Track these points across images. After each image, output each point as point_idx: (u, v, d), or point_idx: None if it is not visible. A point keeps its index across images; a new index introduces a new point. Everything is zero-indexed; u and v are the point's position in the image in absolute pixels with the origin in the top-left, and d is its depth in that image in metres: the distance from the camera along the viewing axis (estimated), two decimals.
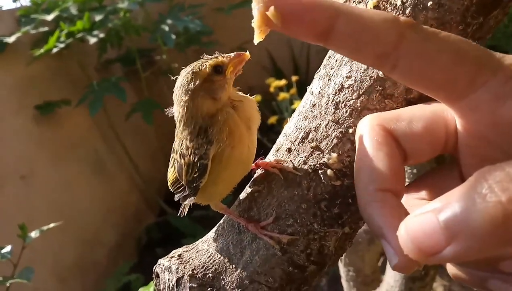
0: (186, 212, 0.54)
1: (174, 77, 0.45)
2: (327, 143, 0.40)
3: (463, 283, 0.36)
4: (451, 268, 0.36)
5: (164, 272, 0.45)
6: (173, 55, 2.48)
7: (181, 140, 0.45)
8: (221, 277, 0.43)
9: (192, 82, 0.42)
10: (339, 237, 0.41)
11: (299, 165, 0.42)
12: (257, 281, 0.42)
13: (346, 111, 0.40)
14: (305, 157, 0.42)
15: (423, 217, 0.25)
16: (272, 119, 1.97)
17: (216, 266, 0.44)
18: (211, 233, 0.48)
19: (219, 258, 0.44)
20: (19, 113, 1.98)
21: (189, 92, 0.42)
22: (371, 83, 0.38)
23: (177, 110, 0.44)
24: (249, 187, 0.46)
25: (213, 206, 0.47)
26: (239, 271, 0.43)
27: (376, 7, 0.38)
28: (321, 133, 0.41)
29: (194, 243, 0.49)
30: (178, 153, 0.45)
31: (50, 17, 2.09)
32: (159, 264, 0.46)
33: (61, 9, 2.12)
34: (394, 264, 0.29)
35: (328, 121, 0.41)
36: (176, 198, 0.48)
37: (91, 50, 2.29)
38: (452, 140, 0.34)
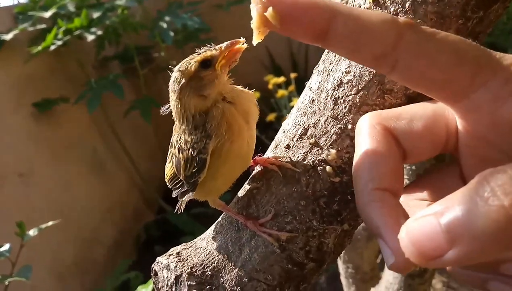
0: (183, 209, 0.54)
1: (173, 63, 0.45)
2: (326, 140, 0.40)
3: (463, 283, 0.36)
4: (451, 268, 0.36)
5: (162, 270, 0.45)
6: (172, 53, 2.47)
7: (179, 135, 0.44)
8: (220, 274, 0.43)
9: (177, 82, 0.42)
10: (338, 234, 0.41)
11: (297, 162, 0.42)
12: (256, 278, 0.42)
13: (345, 107, 0.39)
14: (304, 153, 0.41)
15: (424, 220, 0.25)
16: (271, 117, 1.97)
17: (215, 264, 0.44)
18: (210, 231, 0.48)
19: (218, 255, 0.44)
20: (17, 111, 1.98)
21: (176, 92, 0.42)
22: (370, 79, 0.38)
23: (172, 105, 0.44)
24: (248, 184, 0.46)
25: (212, 202, 0.47)
26: (238, 268, 0.42)
27: (376, 1, 0.37)
28: (320, 129, 0.41)
29: (192, 241, 0.48)
30: (177, 147, 0.44)
31: (47, 14, 2.08)
32: (158, 262, 0.46)
33: (59, 6, 2.11)
34: (390, 264, 0.29)
35: (327, 117, 0.40)
36: (174, 194, 0.48)
37: (89, 47, 2.28)
38: (452, 140, 0.34)
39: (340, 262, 1.14)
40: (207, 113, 0.42)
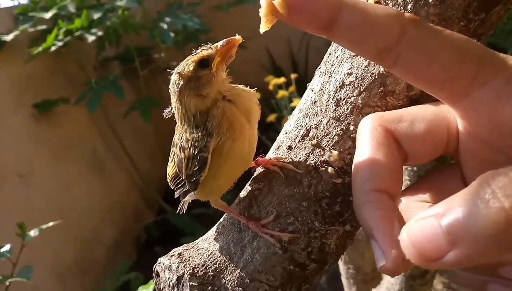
0: (185, 209, 0.54)
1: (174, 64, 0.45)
2: (328, 141, 0.40)
3: (463, 285, 0.36)
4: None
5: (164, 271, 0.45)
6: (172, 53, 2.47)
7: (181, 134, 0.44)
8: (222, 275, 0.43)
9: (176, 84, 0.42)
10: (340, 235, 0.41)
11: (299, 163, 0.42)
12: (258, 279, 0.42)
13: (347, 109, 0.39)
14: (305, 154, 0.41)
15: (425, 222, 0.25)
16: (271, 117, 1.97)
17: (217, 265, 0.44)
18: (211, 231, 0.48)
19: (220, 256, 0.44)
20: (17, 112, 1.98)
21: (176, 94, 0.43)
22: (372, 80, 0.38)
23: (174, 106, 0.44)
24: (249, 185, 0.46)
25: (213, 202, 0.47)
26: (239, 269, 0.43)
27: (378, 2, 0.37)
28: (322, 130, 0.41)
29: (194, 242, 0.48)
30: (178, 146, 0.44)
31: (48, 15, 2.08)
32: (159, 263, 0.46)
33: (59, 7, 2.11)
34: (381, 266, 0.29)
35: (329, 119, 0.40)
36: (176, 194, 0.48)
37: (89, 48, 2.29)
38: (453, 142, 0.34)
39: (341, 263, 1.14)
40: (208, 113, 0.42)
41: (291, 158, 0.43)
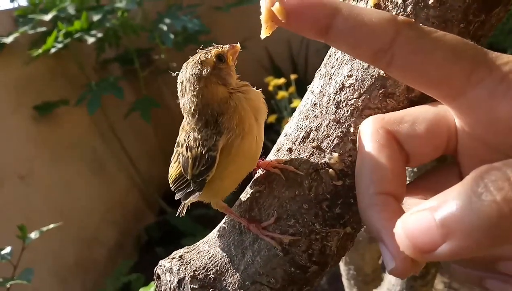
0: (184, 212, 0.53)
1: (175, 73, 0.45)
2: (328, 143, 0.40)
3: (462, 282, 0.36)
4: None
5: (165, 274, 0.45)
6: (171, 55, 2.47)
7: (188, 133, 0.44)
8: (223, 278, 0.43)
9: (204, 70, 0.42)
10: (341, 237, 0.41)
11: (300, 165, 0.42)
12: (259, 282, 0.42)
13: (347, 111, 0.39)
14: (306, 156, 0.41)
15: (420, 215, 0.25)
16: (271, 118, 1.97)
17: (218, 267, 0.44)
18: (212, 234, 0.48)
19: (221, 259, 0.44)
20: (17, 113, 1.98)
21: (202, 79, 0.42)
22: (372, 82, 0.38)
23: (189, 100, 0.43)
24: (250, 187, 0.46)
25: (215, 204, 0.47)
26: (240, 272, 0.43)
27: (377, 5, 0.37)
28: (322, 133, 0.41)
29: (195, 244, 0.48)
30: (184, 145, 0.44)
31: (47, 17, 2.09)
32: (160, 265, 0.46)
33: (59, 9, 2.11)
34: (390, 268, 0.29)
35: (329, 121, 0.40)
36: (177, 196, 0.48)
37: (89, 50, 2.29)
38: (453, 142, 0.34)
39: (342, 264, 1.14)
40: (226, 103, 0.42)
41: (291, 160, 0.43)
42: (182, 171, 0.45)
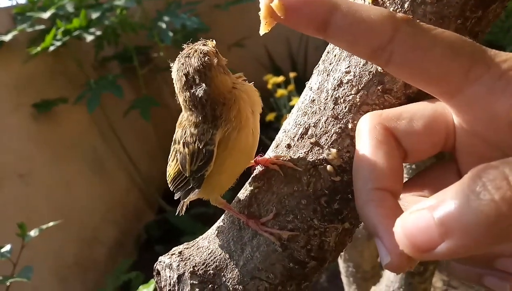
0: (183, 211, 0.53)
1: (172, 64, 0.43)
2: (326, 139, 0.40)
3: (460, 279, 0.36)
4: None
5: (165, 270, 0.45)
6: (171, 52, 2.45)
7: (184, 129, 0.44)
8: (222, 273, 0.43)
9: (213, 59, 0.41)
10: (339, 233, 0.42)
11: (298, 161, 0.42)
12: (258, 277, 0.42)
13: (345, 107, 0.39)
14: (304, 152, 0.42)
15: (419, 214, 0.25)
16: (270, 116, 1.97)
17: (217, 263, 0.44)
18: (212, 230, 0.48)
19: (220, 254, 0.44)
20: (16, 112, 1.98)
21: (212, 68, 0.41)
22: (370, 78, 0.38)
23: (201, 92, 0.41)
24: (249, 183, 0.46)
25: (214, 200, 0.47)
26: (240, 267, 0.43)
27: (375, 2, 0.38)
28: (321, 129, 0.41)
29: (194, 240, 0.49)
30: (181, 142, 0.44)
31: (46, 15, 2.08)
32: (160, 262, 0.46)
33: (57, 6, 2.11)
34: (386, 263, 0.29)
35: (328, 117, 0.40)
36: (176, 196, 0.48)
37: (88, 48, 2.29)
38: (451, 139, 0.34)
39: (340, 261, 1.14)
40: (229, 93, 0.42)
41: (290, 156, 0.43)
42: (180, 168, 0.45)
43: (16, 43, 2.01)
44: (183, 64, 0.42)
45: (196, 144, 0.42)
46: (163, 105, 2.34)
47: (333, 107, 0.40)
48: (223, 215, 0.48)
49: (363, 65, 0.39)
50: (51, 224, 1.21)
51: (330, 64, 0.41)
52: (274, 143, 0.46)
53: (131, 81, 2.55)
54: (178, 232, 2.23)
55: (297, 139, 0.43)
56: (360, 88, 0.39)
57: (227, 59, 0.44)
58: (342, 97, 0.40)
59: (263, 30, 0.33)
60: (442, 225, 0.24)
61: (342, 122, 0.40)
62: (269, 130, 2.20)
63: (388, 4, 0.37)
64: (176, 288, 0.44)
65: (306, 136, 0.42)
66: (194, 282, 0.43)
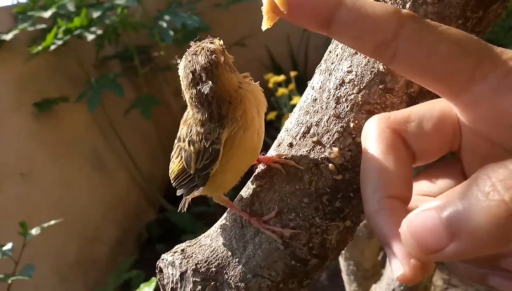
0: (186, 208, 0.54)
1: (178, 60, 0.44)
2: (328, 138, 0.41)
3: (464, 279, 0.36)
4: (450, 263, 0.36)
5: (167, 267, 0.46)
6: (171, 51, 2.45)
7: (189, 127, 0.44)
8: (224, 271, 0.44)
9: (220, 57, 0.41)
10: (341, 231, 0.42)
11: (300, 160, 0.42)
12: (260, 275, 0.42)
13: (347, 106, 0.40)
14: (306, 151, 0.42)
15: (426, 214, 0.25)
16: (271, 115, 1.97)
17: (219, 260, 0.44)
18: (214, 228, 0.49)
19: (222, 252, 0.45)
20: (17, 111, 1.98)
21: (219, 66, 0.41)
22: (372, 78, 0.38)
23: (207, 88, 0.42)
24: (251, 182, 0.47)
25: (217, 198, 0.47)
26: (242, 265, 0.43)
27: (377, 1, 0.38)
28: (323, 128, 0.41)
29: (197, 238, 0.49)
30: (187, 140, 0.44)
31: (47, 14, 2.08)
32: (163, 259, 0.47)
33: (58, 5, 2.11)
34: (399, 275, 0.28)
35: (329, 116, 0.41)
36: (178, 192, 0.48)
37: (89, 47, 2.29)
38: (458, 139, 0.33)
39: (341, 259, 1.15)
40: (235, 92, 0.42)
41: (292, 155, 0.43)
42: (185, 165, 0.45)
43: (17, 42, 2.01)
44: (190, 62, 0.42)
45: (202, 143, 0.42)
46: (164, 104, 2.35)
47: (335, 107, 0.40)
48: (226, 213, 0.49)
49: (365, 65, 0.39)
50: (52, 222, 1.22)
51: (332, 63, 0.42)
52: (276, 142, 0.46)
53: (132, 80, 2.55)
54: (179, 231, 2.23)
55: (299, 138, 0.43)
56: (362, 87, 0.39)
57: (233, 56, 0.44)
58: (344, 97, 0.40)
59: (265, 25, 0.32)
60: (450, 226, 0.23)
61: (344, 121, 0.40)
62: (270, 129, 2.20)
63: (390, 4, 0.37)
64: (179, 285, 0.44)
65: (308, 135, 0.42)
66: (196, 279, 0.43)
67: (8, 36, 1.95)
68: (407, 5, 0.36)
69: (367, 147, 0.33)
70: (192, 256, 0.45)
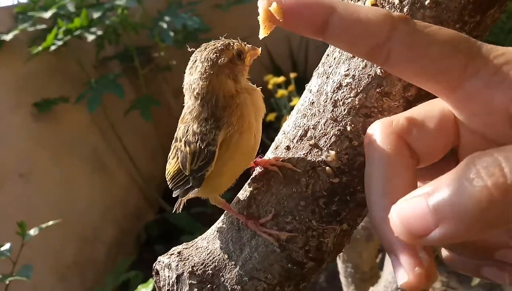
0: (182, 208, 0.54)
1: (190, 50, 0.45)
2: (325, 141, 0.41)
3: (459, 270, 0.36)
4: (447, 256, 0.37)
5: (164, 269, 0.46)
6: (171, 52, 2.47)
7: (186, 126, 0.44)
8: (221, 273, 0.44)
9: (221, 59, 0.42)
10: (338, 234, 0.42)
11: (297, 163, 0.42)
12: (256, 277, 0.42)
13: (344, 109, 0.40)
14: (303, 154, 0.42)
15: (414, 201, 0.26)
16: (271, 117, 1.98)
17: (216, 263, 0.44)
18: (211, 230, 0.49)
19: (219, 255, 0.45)
20: (17, 111, 1.98)
21: (216, 67, 0.42)
22: (369, 81, 0.38)
23: (195, 81, 0.42)
24: (248, 185, 0.47)
25: (213, 200, 0.47)
26: (238, 268, 0.43)
27: (374, 5, 0.38)
28: (320, 131, 0.41)
29: (193, 240, 0.49)
30: (183, 140, 0.44)
31: (47, 14, 2.09)
32: (159, 261, 0.47)
33: (59, 6, 2.11)
34: (403, 282, 0.28)
35: (327, 119, 0.41)
36: (174, 194, 0.48)
37: (89, 47, 2.29)
38: (458, 138, 0.34)
39: (339, 262, 1.15)
40: (231, 98, 0.42)
41: (289, 158, 0.43)
42: (181, 166, 0.45)
43: (17, 42, 2.01)
44: (199, 52, 0.43)
45: (198, 144, 0.42)
46: (163, 105, 2.34)
47: (332, 110, 0.40)
48: (223, 215, 0.49)
49: (362, 68, 0.39)
50: (50, 223, 1.21)
51: (329, 67, 0.42)
52: (273, 145, 0.46)
53: (131, 81, 2.55)
54: (178, 232, 2.23)
55: (296, 141, 0.43)
56: (359, 91, 0.39)
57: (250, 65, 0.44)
58: (341, 100, 0.40)
59: (262, 34, 0.33)
60: (436, 211, 0.25)
61: (341, 124, 0.40)
62: (269, 130, 2.20)
63: (387, 8, 0.37)
64: (175, 288, 0.44)
65: (305, 138, 0.42)
66: (192, 282, 0.43)
67: (8, 36, 1.95)
68: (405, 9, 0.36)
69: (371, 153, 0.33)
70: (188, 259, 0.45)
